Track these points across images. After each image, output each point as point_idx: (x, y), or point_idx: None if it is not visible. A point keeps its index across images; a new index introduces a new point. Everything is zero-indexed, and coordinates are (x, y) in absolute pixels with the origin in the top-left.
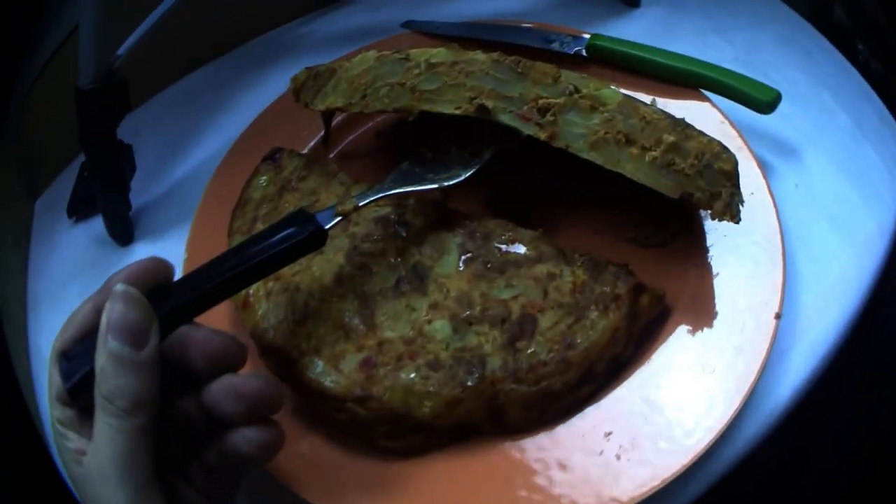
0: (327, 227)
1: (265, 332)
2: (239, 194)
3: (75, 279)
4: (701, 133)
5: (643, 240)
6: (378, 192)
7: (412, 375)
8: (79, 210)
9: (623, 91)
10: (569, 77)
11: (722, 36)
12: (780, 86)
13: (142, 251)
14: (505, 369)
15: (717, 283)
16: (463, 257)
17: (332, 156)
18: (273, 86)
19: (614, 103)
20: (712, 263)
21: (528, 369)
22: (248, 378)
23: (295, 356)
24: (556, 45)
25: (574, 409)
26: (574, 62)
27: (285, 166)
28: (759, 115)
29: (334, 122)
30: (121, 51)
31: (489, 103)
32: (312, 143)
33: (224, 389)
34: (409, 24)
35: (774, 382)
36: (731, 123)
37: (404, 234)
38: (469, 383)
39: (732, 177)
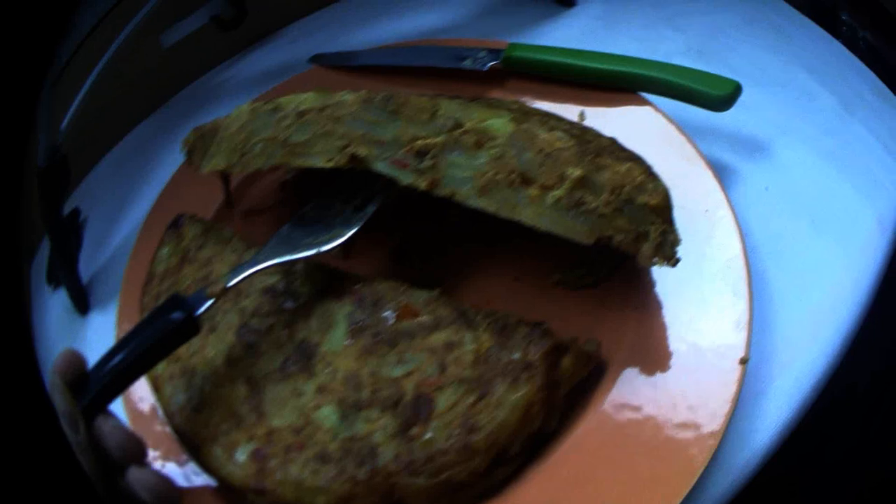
0: (198, 312)
1: (172, 416)
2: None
3: (58, 347)
4: (620, 158)
5: (572, 282)
6: (250, 267)
7: (301, 469)
8: (54, 278)
9: (546, 105)
10: (448, 109)
11: (672, 25)
12: (744, 72)
13: (97, 320)
14: (399, 461)
15: (664, 326)
16: (351, 329)
17: (238, 215)
18: None
19: (504, 135)
20: (660, 302)
21: (425, 460)
22: (146, 473)
23: (198, 443)
24: (468, 63)
25: (489, 494)
26: (491, 79)
27: (186, 234)
28: (713, 115)
29: (240, 177)
30: (63, 125)
31: (361, 151)
32: (218, 205)
33: (132, 480)
34: (317, 59)
35: (748, 432)
36: (678, 128)
37: (293, 307)
38: (360, 477)
39: (663, 211)
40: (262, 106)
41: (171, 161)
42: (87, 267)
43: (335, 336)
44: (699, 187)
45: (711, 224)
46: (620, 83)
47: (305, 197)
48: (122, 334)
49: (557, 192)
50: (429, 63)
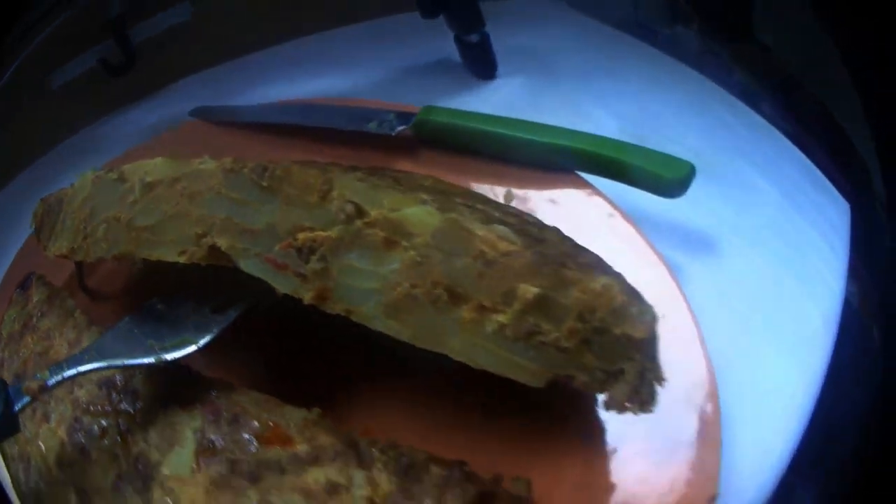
0: (16, 409)
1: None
2: None
3: None
4: (588, 270)
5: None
6: (73, 367)
7: None
8: None
9: (465, 184)
10: (346, 188)
11: (602, 104)
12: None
13: None
14: None
15: (617, 458)
16: (201, 451)
17: (87, 287)
18: None
19: (427, 231)
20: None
21: None
22: None
23: None
24: (373, 126)
25: None
26: (399, 147)
27: (31, 297)
28: (655, 203)
29: None
30: None
31: (223, 242)
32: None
33: None
34: (200, 112)
35: None
36: (626, 217)
37: (131, 410)
38: None
39: (644, 345)
40: (105, 174)
41: None
42: None
43: (180, 457)
44: (653, 289)
45: (670, 335)
46: (554, 159)
47: (160, 286)
48: None
49: (501, 317)
50: (327, 124)
